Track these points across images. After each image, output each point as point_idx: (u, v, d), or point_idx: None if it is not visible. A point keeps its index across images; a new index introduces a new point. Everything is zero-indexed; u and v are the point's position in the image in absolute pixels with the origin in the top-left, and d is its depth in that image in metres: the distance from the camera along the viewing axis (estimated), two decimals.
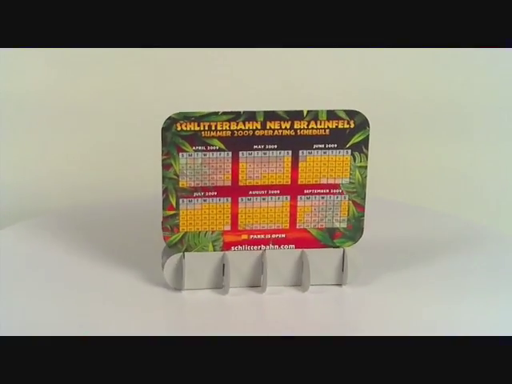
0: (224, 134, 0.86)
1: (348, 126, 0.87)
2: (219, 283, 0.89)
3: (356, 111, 0.87)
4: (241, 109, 0.86)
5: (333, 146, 0.88)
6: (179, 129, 0.85)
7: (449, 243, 1.02)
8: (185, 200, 0.88)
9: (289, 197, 0.89)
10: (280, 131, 0.86)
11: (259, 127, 0.86)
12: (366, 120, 0.88)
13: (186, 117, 0.85)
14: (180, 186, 0.87)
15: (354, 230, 0.90)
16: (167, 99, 1.45)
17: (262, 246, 0.89)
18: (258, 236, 0.89)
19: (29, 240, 1.01)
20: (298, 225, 0.89)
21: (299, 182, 0.89)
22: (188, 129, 0.85)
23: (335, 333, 0.82)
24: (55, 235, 1.02)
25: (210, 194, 0.88)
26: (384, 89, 1.46)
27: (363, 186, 0.89)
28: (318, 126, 0.87)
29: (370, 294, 0.90)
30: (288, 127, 0.86)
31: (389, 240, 1.03)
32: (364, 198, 0.89)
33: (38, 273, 0.93)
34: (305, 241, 0.90)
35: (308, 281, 0.89)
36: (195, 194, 0.88)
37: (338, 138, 0.88)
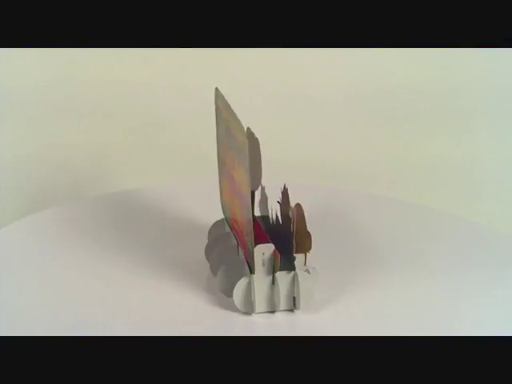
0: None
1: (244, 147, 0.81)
2: None
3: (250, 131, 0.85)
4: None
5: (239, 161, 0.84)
6: (216, 102, 0.93)
7: (448, 242, 1.02)
8: (220, 169, 0.95)
9: (238, 198, 0.88)
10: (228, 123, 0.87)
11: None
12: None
13: (215, 92, 0.92)
14: (219, 153, 0.95)
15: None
16: (167, 99, 1.46)
17: (239, 240, 0.90)
18: (236, 228, 0.91)
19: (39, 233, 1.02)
20: (243, 234, 0.88)
21: (236, 186, 0.87)
22: (217, 104, 0.93)
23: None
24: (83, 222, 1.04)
25: (223, 169, 0.94)
26: (384, 88, 1.46)
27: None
28: (237, 137, 0.84)
29: (366, 292, 0.90)
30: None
31: (388, 238, 1.03)
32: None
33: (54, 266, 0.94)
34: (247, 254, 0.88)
35: (226, 290, 0.88)
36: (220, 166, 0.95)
37: (240, 155, 0.84)
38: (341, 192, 1.18)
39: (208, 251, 0.94)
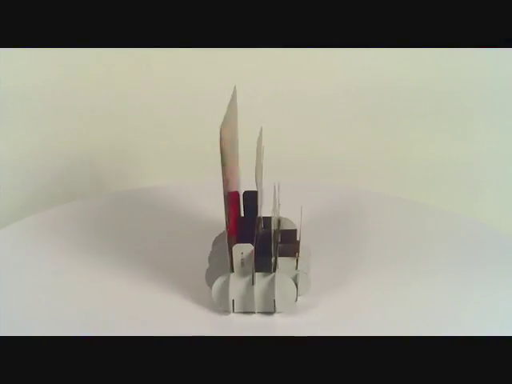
0: None
1: None
2: None
3: None
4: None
5: None
6: None
7: (449, 241, 1.02)
8: None
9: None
10: None
11: None
12: None
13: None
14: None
15: None
16: (167, 99, 1.46)
17: None
18: None
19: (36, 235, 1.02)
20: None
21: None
22: None
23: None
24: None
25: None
26: (384, 88, 1.46)
27: None
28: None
29: (363, 291, 0.90)
30: None
31: (388, 236, 1.02)
32: None
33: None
34: None
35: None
36: None
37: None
38: (341, 190, 1.18)
39: (213, 244, 0.93)
